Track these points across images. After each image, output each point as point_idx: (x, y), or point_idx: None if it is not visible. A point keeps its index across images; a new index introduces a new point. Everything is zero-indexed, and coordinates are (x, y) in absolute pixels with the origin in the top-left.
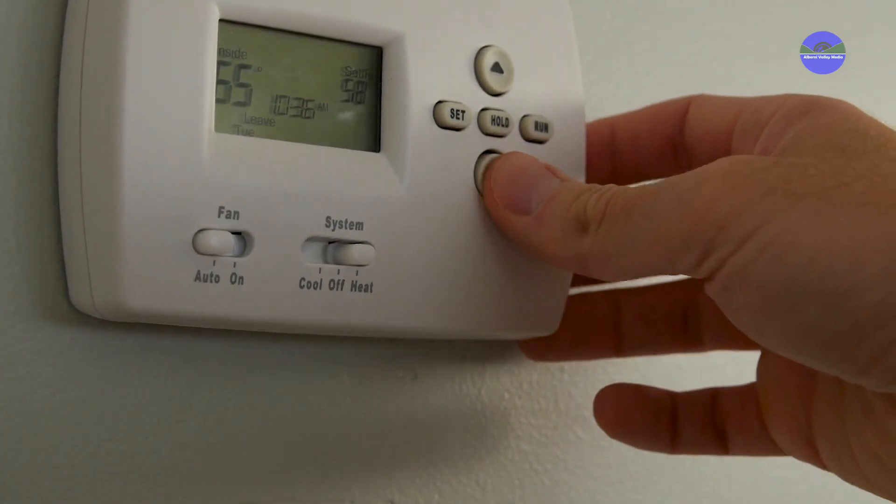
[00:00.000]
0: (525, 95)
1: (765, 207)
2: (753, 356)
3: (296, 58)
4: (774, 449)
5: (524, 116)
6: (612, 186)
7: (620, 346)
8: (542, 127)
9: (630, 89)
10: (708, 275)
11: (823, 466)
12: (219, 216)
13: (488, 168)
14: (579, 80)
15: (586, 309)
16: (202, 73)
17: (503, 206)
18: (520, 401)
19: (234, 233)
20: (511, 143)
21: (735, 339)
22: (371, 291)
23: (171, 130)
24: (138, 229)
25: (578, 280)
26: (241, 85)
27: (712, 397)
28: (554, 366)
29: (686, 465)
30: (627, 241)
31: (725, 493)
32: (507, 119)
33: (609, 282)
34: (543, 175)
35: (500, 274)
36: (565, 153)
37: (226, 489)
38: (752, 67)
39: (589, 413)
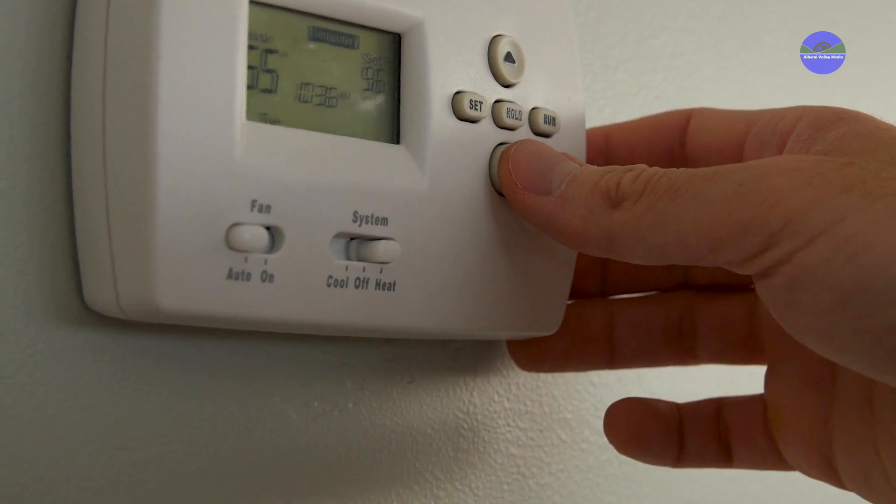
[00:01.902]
0: (534, 88)
1: (840, 204)
2: None
3: (319, 43)
4: (781, 463)
5: (533, 109)
6: (645, 166)
7: (613, 358)
8: (551, 120)
9: (604, 82)
10: (763, 270)
11: (840, 485)
12: (251, 210)
13: (503, 153)
14: (580, 73)
15: (580, 319)
16: (234, 57)
17: (523, 187)
18: (508, 403)
19: (264, 228)
20: (521, 136)
21: (730, 353)
22: (394, 290)
23: (205, 119)
24: (172, 225)
25: (580, 292)
26: (268, 71)
27: (716, 409)
28: None
29: (656, 469)
30: (669, 219)
31: (690, 495)
32: (520, 112)
33: (635, 263)
34: (562, 158)
35: (510, 272)
36: (569, 148)
37: (235, 496)
38: (709, 63)
39: (570, 415)
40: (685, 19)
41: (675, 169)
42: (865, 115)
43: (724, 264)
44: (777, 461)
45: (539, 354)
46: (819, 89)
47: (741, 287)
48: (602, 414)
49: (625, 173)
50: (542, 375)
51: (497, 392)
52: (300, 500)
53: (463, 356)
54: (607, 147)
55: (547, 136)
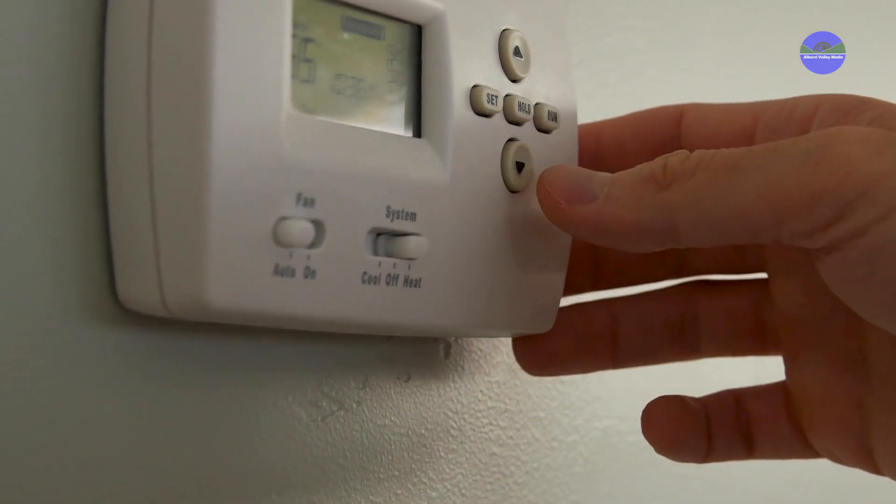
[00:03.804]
0: (537, 83)
1: None
2: None
3: (351, 33)
4: (806, 451)
5: (536, 104)
6: (686, 151)
7: (617, 357)
8: (553, 116)
9: None
10: (832, 243)
11: (875, 470)
12: (296, 204)
13: (539, 178)
14: (572, 69)
15: (583, 320)
16: (281, 44)
17: (567, 201)
18: (491, 402)
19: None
20: (527, 132)
21: (736, 346)
22: (419, 287)
23: (256, 109)
24: (224, 219)
25: (573, 287)
26: (307, 60)
27: (735, 401)
28: (515, 365)
29: (615, 467)
30: (731, 193)
31: (643, 492)
32: (529, 107)
33: (694, 245)
34: (595, 172)
35: (515, 269)
36: (565, 144)
37: (247, 499)
38: (655, 63)
39: (543, 413)
40: (634, 19)
41: (723, 149)
42: (886, 101)
43: (787, 237)
44: (802, 450)
45: (546, 358)
46: (762, 92)
47: (740, 279)
48: (570, 412)
49: (667, 158)
50: (520, 373)
51: (481, 391)
52: (307, 501)
53: (453, 354)
54: (597, 144)
55: (548, 131)
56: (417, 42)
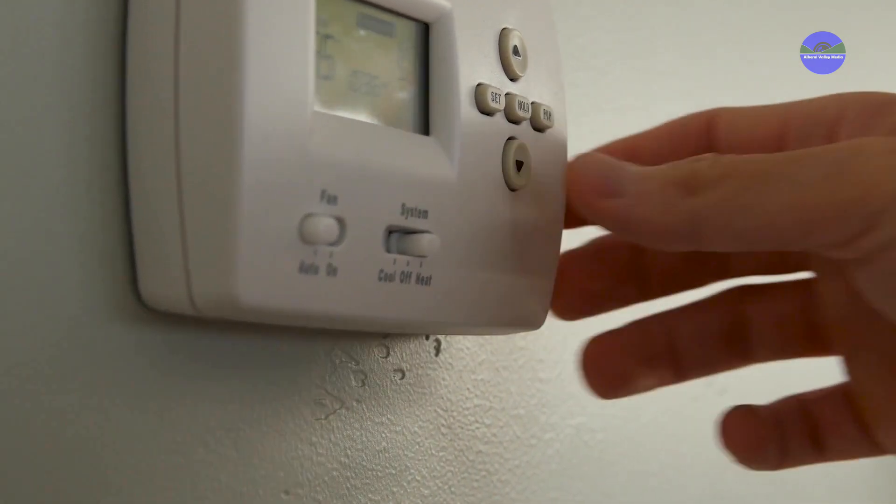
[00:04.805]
0: (532, 82)
1: None
2: None
3: (366, 31)
4: (874, 449)
5: (533, 103)
6: (715, 154)
7: (679, 370)
8: (548, 115)
9: None
10: (862, 254)
11: None
12: (320, 201)
13: (570, 166)
14: (561, 67)
15: (644, 338)
16: (307, 41)
17: (597, 194)
18: (477, 399)
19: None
20: (524, 130)
21: (789, 349)
22: (429, 285)
23: (284, 105)
24: (254, 216)
25: (621, 300)
26: (327, 57)
27: (799, 405)
28: (498, 363)
29: (587, 464)
30: (760, 202)
31: (611, 489)
32: (527, 105)
33: (718, 250)
34: (623, 162)
35: (514, 267)
36: (556, 143)
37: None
38: (624, 63)
39: (523, 411)
40: (604, 19)
41: (752, 154)
42: None
43: (816, 248)
44: (871, 448)
45: (618, 381)
46: (729, 91)
47: (785, 280)
48: (547, 410)
49: (695, 162)
50: (502, 371)
51: (468, 388)
52: (313, 500)
53: (442, 351)
54: (636, 160)
55: (543, 130)
56: (423, 40)
